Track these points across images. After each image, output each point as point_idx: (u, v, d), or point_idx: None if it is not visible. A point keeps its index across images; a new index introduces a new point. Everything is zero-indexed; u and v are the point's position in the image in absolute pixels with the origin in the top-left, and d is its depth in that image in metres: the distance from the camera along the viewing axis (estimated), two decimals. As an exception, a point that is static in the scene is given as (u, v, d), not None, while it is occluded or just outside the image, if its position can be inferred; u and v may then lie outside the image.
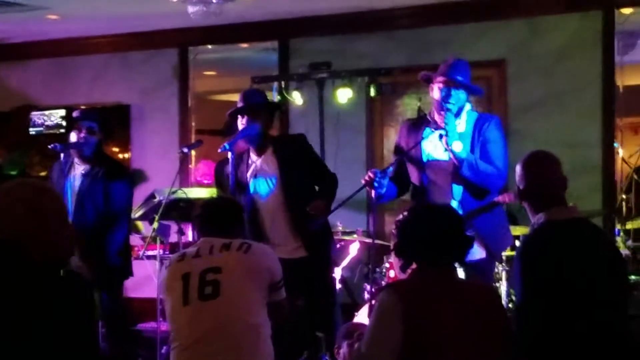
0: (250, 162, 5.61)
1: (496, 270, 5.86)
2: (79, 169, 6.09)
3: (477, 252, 4.80)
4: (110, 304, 5.98)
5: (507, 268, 5.98)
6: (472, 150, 5.00)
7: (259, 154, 5.58)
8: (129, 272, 6.23)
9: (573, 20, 7.71)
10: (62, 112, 9.32)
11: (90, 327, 2.85)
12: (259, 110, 5.57)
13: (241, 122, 5.53)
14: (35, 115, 9.30)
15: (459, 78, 5.07)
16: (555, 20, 7.77)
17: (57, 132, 9.15)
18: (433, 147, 5.12)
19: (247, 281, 4.00)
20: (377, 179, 4.93)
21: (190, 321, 3.98)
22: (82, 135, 6.02)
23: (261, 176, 5.57)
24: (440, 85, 5.09)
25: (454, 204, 4.97)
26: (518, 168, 3.76)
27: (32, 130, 9.30)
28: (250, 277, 4.01)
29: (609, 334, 3.47)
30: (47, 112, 9.33)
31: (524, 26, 7.84)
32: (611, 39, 7.56)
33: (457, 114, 5.08)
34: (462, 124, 5.09)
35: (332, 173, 5.67)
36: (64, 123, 9.26)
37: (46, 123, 9.34)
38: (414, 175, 5.23)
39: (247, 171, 5.59)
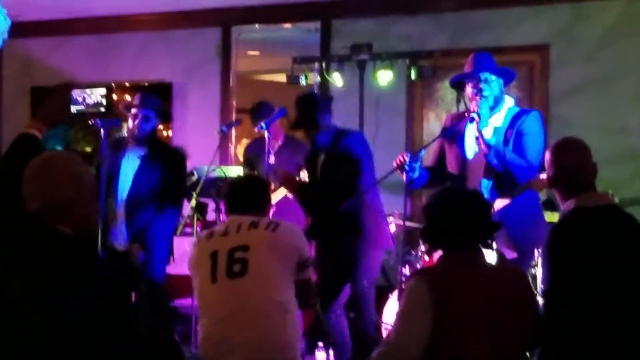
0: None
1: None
2: (135, 150, 6.13)
3: (508, 253, 4.72)
4: (150, 280, 6.02)
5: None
6: (505, 144, 4.95)
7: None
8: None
9: (618, 5, 7.62)
10: (103, 90, 9.41)
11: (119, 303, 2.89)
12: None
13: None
14: (76, 93, 9.38)
15: (486, 71, 5.07)
16: (600, 5, 7.67)
17: (98, 110, 9.24)
18: (471, 140, 5.12)
19: (275, 259, 4.01)
20: (408, 162, 4.92)
21: (218, 299, 4.00)
22: (137, 122, 6.05)
23: None
24: (471, 86, 5.09)
25: None
26: (547, 155, 3.73)
27: (73, 108, 9.38)
28: (277, 256, 4.02)
29: (636, 322, 3.44)
30: (87, 90, 9.42)
31: (568, 10, 7.76)
32: (657, 25, 7.46)
33: (496, 106, 5.06)
34: (500, 118, 5.06)
35: (328, 186, 5.54)
36: (104, 101, 9.35)
37: (87, 101, 9.43)
38: (452, 164, 5.21)
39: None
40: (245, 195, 4.27)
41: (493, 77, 5.08)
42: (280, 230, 4.09)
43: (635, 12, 7.52)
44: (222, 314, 3.97)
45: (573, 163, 3.67)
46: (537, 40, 7.81)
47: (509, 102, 5.15)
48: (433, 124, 8.08)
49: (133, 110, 6.08)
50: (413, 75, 7.39)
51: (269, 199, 4.47)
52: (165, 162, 6.04)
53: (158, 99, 6.36)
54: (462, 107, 5.81)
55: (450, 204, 3.44)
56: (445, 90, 8.07)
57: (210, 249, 4.09)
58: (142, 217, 5.93)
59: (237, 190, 4.33)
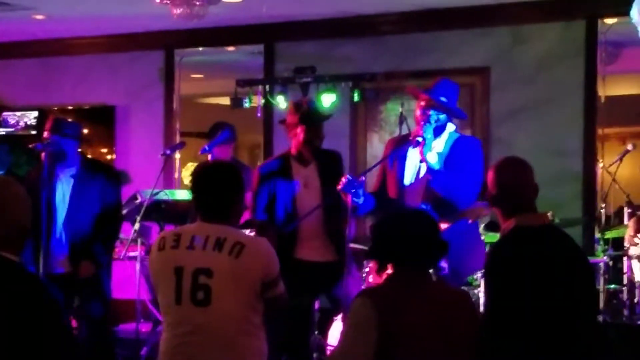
0: (294, 170, 5.64)
1: (475, 277, 5.83)
2: (66, 172, 6.03)
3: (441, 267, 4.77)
4: (93, 304, 5.94)
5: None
6: (448, 169, 4.97)
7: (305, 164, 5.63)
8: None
9: (556, 29, 7.76)
10: (35, 113, 9.30)
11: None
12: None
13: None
14: (8, 116, 9.28)
15: (442, 99, 5.09)
16: (538, 29, 7.81)
17: (29, 134, 9.11)
18: (412, 167, 5.15)
19: (239, 288, 3.87)
20: (353, 188, 4.93)
21: (182, 320, 3.90)
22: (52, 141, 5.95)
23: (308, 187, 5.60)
24: (422, 103, 5.11)
25: None
26: (490, 173, 3.76)
27: (3, 131, 9.28)
28: (242, 284, 3.87)
29: (574, 339, 3.48)
30: (18, 113, 9.31)
31: (508, 34, 7.88)
32: (594, 48, 7.60)
33: (438, 133, 5.09)
34: (442, 143, 5.10)
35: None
36: (35, 124, 9.22)
37: (19, 124, 9.30)
38: (391, 189, 5.22)
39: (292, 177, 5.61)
40: (215, 204, 4.08)
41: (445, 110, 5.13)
42: (244, 255, 3.89)
43: (573, 35, 7.66)
44: (185, 335, 3.90)
45: (515, 182, 3.69)
46: (478, 63, 7.91)
47: (450, 127, 5.19)
48: (376, 146, 8.13)
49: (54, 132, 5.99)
50: (356, 98, 7.41)
51: (239, 204, 4.20)
52: (99, 179, 5.95)
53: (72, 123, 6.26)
54: (404, 129, 5.85)
55: (398, 222, 3.47)
56: (388, 112, 8.14)
57: (175, 262, 3.92)
58: (86, 236, 5.84)
59: (206, 195, 4.10)
